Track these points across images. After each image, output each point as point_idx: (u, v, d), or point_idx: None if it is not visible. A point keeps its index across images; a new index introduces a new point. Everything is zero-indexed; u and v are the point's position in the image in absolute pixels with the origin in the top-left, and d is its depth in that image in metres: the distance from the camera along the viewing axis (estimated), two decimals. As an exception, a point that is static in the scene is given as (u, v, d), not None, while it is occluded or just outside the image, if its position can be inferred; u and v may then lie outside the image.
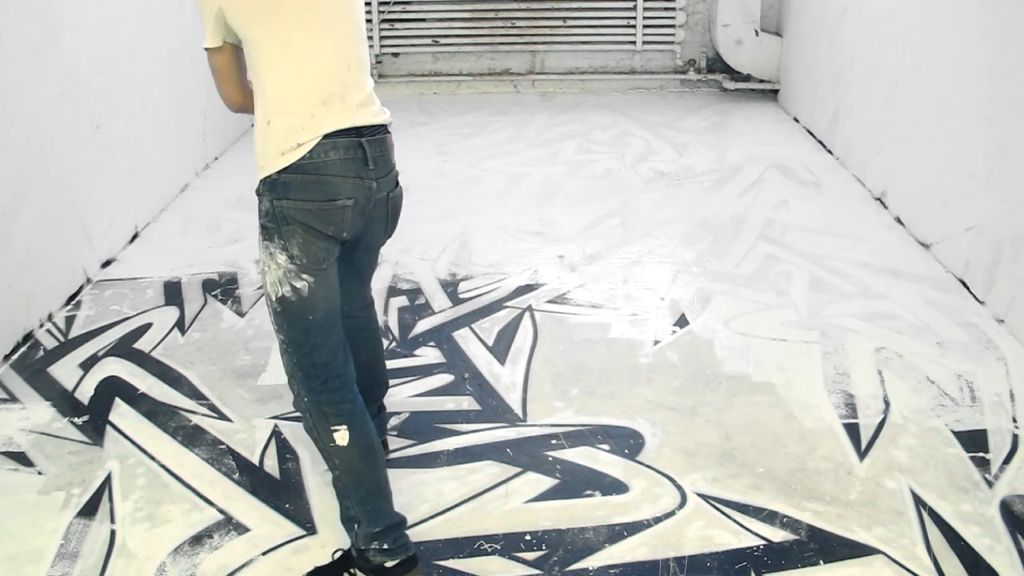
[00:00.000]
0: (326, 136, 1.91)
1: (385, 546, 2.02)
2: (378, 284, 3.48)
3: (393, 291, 3.64)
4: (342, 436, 1.99)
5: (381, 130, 2.02)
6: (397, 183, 2.11)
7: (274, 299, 1.97)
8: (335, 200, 1.93)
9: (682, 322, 3.34)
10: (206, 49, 1.98)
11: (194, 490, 2.45)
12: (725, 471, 2.48)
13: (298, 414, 2.76)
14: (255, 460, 2.58)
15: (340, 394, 2.02)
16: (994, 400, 2.79)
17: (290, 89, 1.92)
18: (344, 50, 1.97)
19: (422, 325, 3.36)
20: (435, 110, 6.67)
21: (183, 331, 3.35)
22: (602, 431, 2.68)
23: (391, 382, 2.69)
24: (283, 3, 1.90)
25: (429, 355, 3.15)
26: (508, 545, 2.22)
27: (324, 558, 2.19)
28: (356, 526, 2.05)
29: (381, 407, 2.49)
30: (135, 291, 3.70)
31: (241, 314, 3.47)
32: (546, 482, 2.46)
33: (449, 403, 2.85)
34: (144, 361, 3.13)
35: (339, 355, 2.04)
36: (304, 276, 1.94)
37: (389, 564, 2.02)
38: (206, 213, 4.58)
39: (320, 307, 1.97)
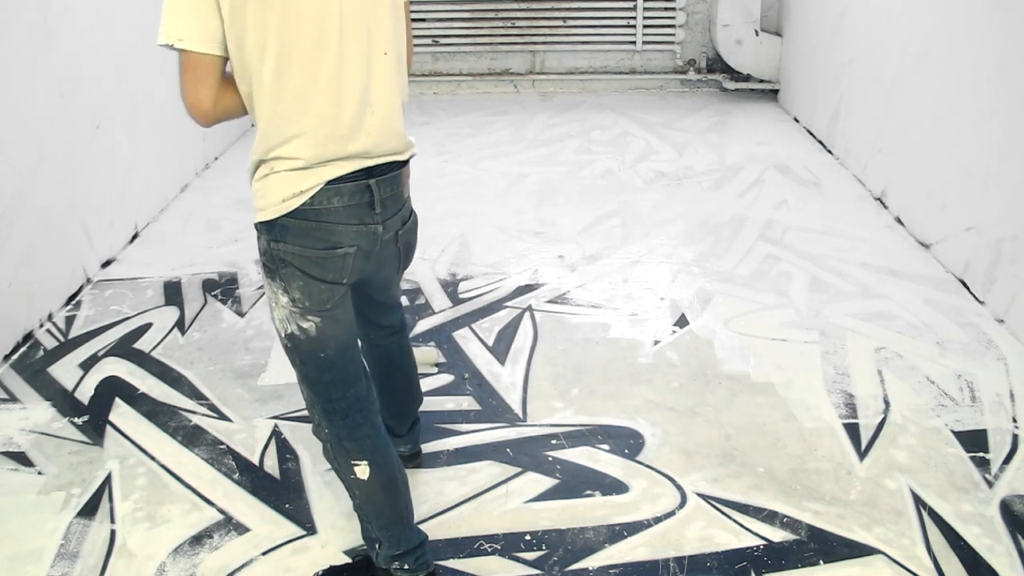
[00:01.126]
0: (330, 182, 1.73)
1: (406, 566, 2.01)
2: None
3: (393, 291, 3.64)
4: (363, 471, 1.92)
5: (395, 166, 1.83)
6: (411, 213, 1.95)
7: (283, 335, 1.87)
8: (336, 249, 1.77)
9: (682, 322, 3.34)
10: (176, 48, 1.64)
11: (194, 490, 2.45)
12: (725, 471, 2.48)
13: (300, 414, 2.78)
14: (255, 460, 2.58)
15: (362, 430, 1.93)
16: (994, 400, 2.79)
17: (293, 127, 1.69)
18: (365, 75, 1.72)
19: (422, 325, 3.36)
20: (435, 110, 6.67)
21: (183, 331, 3.35)
22: (602, 431, 2.68)
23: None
24: (292, 16, 1.63)
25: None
26: (508, 545, 2.22)
27: (324, 558, 2.19)
28: (377, 546, 2.03)
29: (416, 419, 2.47)
30: (135, 291, 3.70)
31: (241, 314, 3.47)
32: (546, 482, 2.46)
33: (449, 403, 2.85)
34: (144, 361, 3.13)
35: (359, 387, 1.93)
36: (310, 317, 1.82)
37: None
38: (206, 213, 4.58)
39: (331, 344, 1.86)
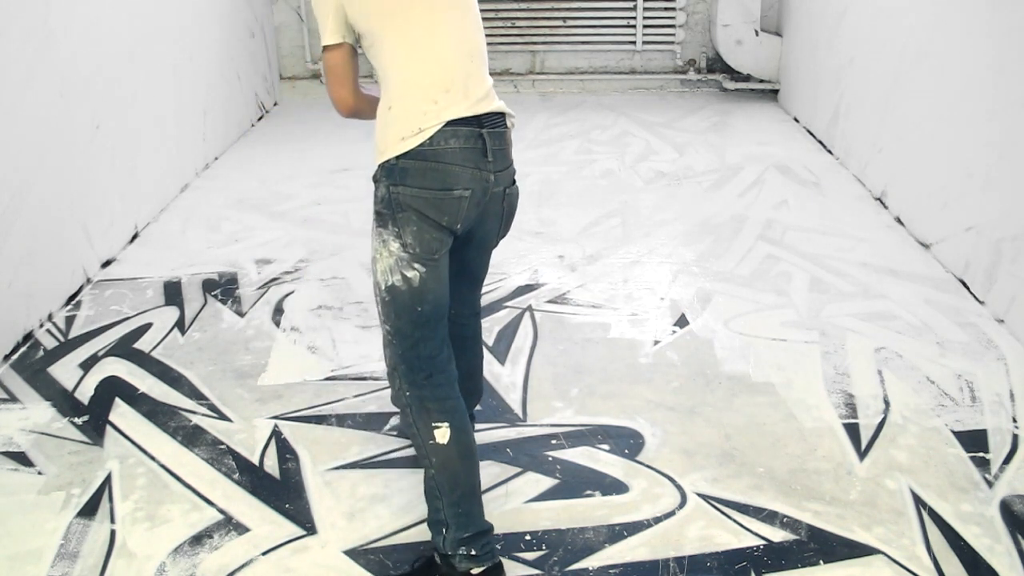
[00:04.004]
0: (448, 123, 1.88)
1: (473, 552, 1.98)
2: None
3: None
4: (443, 433, 1.95)
5: (501, 122, 1.99)
6: (514, 180, 2.07)
7: (383, 288, 1.95)
8: (452, 190, 1.90)
9: (682, 322, 3.34)
10: (324, 47, 1.95)
11: (194, 490, 2.45)
12: (725, 471, 2.48)
13: (300, 414, 2.78)
14: (255, 460, 2.58)
15: (444, 390, 1.99)
16: (994, 400, 2.79)
17: (413, 76, 1.91)
18: (465, 41, 1.97)
19: (422, 325, 3.35)
20: (435, 110, 6.66)
21: (183, 331, 3.35)
22: (602, 431, 2.68)
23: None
24: None
25: (429, 355, 3.14)
26: (508, 545, 2.22)
27: (324, 558, 2.19)
28: (444, 530, 2.00)
29: (472, 416, 2.42)
30: (135, 291, 3.70)
31: (241, 314, 3.47)
32: (546, 482, 2.46)
33: (449, 403, 2.85)
34: (144, 361, 3.13)
35: (444, 351, 2.01)
36: (416, 265, 1.92)
37: (475, 571, 1.98)
38: (206, 213, 4.58)
39: (429, 299, 1.95)
